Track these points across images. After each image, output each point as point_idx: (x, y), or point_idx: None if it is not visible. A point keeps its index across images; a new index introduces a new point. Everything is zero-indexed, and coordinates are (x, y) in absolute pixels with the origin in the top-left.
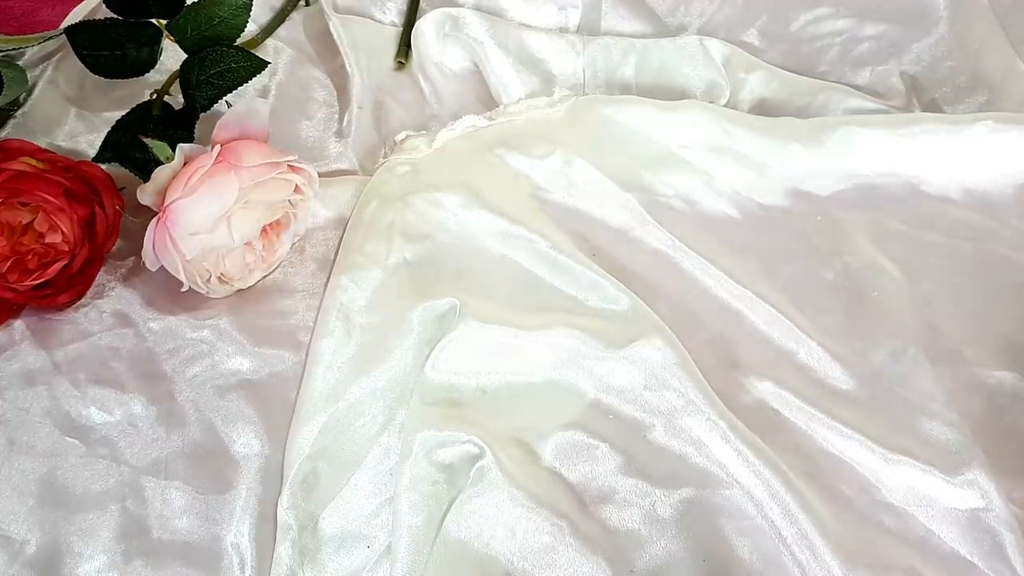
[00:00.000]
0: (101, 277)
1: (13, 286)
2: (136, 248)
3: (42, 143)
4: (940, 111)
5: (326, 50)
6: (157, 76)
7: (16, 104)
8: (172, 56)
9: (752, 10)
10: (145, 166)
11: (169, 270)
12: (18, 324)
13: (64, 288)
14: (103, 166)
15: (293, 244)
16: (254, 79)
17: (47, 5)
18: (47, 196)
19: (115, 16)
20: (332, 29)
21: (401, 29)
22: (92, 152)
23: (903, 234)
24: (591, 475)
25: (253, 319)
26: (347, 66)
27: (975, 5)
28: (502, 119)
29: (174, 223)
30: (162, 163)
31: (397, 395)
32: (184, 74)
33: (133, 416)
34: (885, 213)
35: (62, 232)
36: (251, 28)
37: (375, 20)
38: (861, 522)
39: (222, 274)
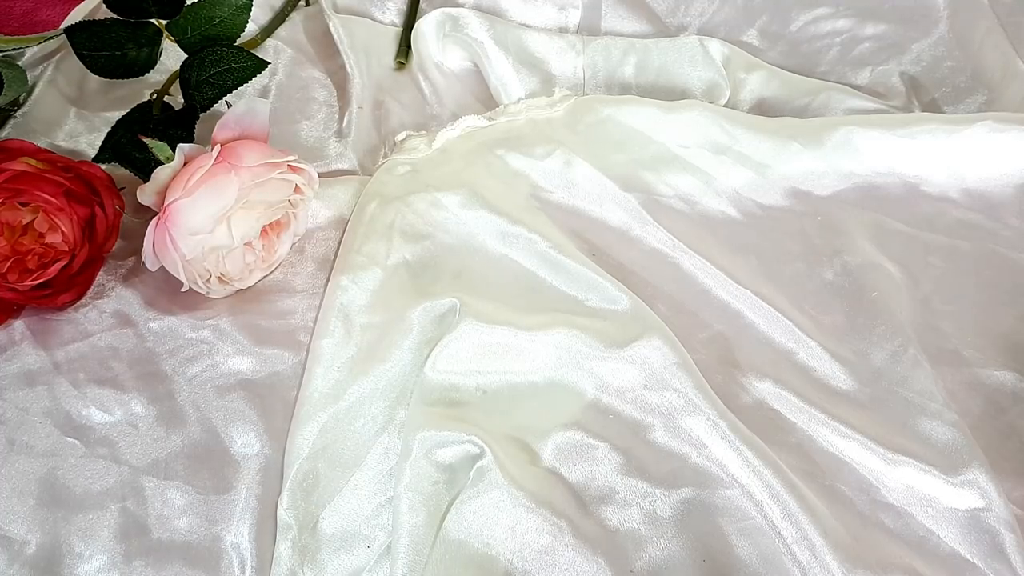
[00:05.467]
0: (101, 277)
1: (13, 286)
2: (136, 248)
3: (42, 143)
4: (940, 111)
5: (326, 50)
6: (157, 76)
7: (16, 104)
8: (172, 56)
9: (752, 10)
10: (145, 166)
11: (169, 270)
12: (18, 324)
13: (64, 288)
14: (103, 166)
15: (293, 244)
16: (254, 79)
17: (47, 5)
18: (47, 196)
19: (115, 16)
20: (332, 29)
21: (401, 29)
22: (92, 152)
23: (903, 234)
24: (591, 475)
25: (253, 319)
26: (347, 66)
27: (975, 5)
28: (502, 119)
29: (174, 223)
30: (162, 163)
31: (397, 395)
32: (184, 74)
33: (133, 416)
34: (885, 213)
35: (62, 232)
36: (251, 28)
37: (375, 20)
38: (861, 522)
39: (222, 274)
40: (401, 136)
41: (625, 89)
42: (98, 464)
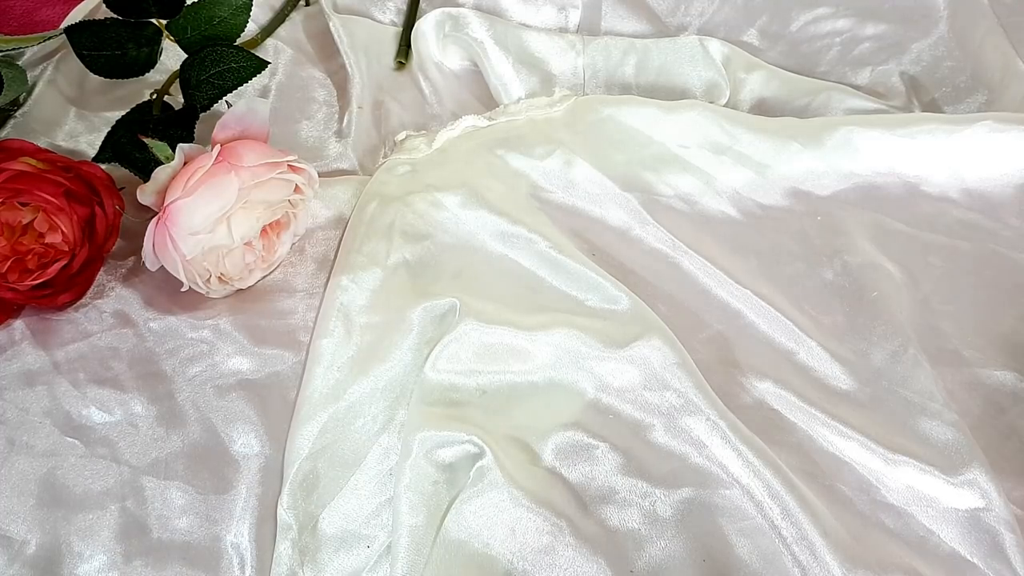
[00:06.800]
0: (101, 277)
1: (13, 286)
2: (136, 248)
3: (42, 143)
4: (940, 111)
5: (326, 50)
6: (157, 76)
7: (16, 104)
8: (172, 56)
9: (752, 10)
10: (145, 166)
11: (169, 270)
12: (18, 324)
13: (64, 288)
14: (103, 166)
15: (293, 244)
16: (254, 79)
17: (47, 5)
18: (47, 196)
19: (115, 16)
20: (332, 29)
21: (401, 29)
22: (92, 152)
23: (903, 234)
24: (591, 475)
25: (253, 319)
26: (347, 66)
27: (975, 5)
28: (502, 119)
29: (174, 223)
30: (162, 163)
31: (397, 395)
32: (184, 74)
33: (133, 416)
34: (885, 213)
35: (62, 232)
36: (251, 28)
37: (375, 20)
38: (861, 522)
39: (222, 274)
40: (401, 136)
41: (625, 89)
42: (98, 464)
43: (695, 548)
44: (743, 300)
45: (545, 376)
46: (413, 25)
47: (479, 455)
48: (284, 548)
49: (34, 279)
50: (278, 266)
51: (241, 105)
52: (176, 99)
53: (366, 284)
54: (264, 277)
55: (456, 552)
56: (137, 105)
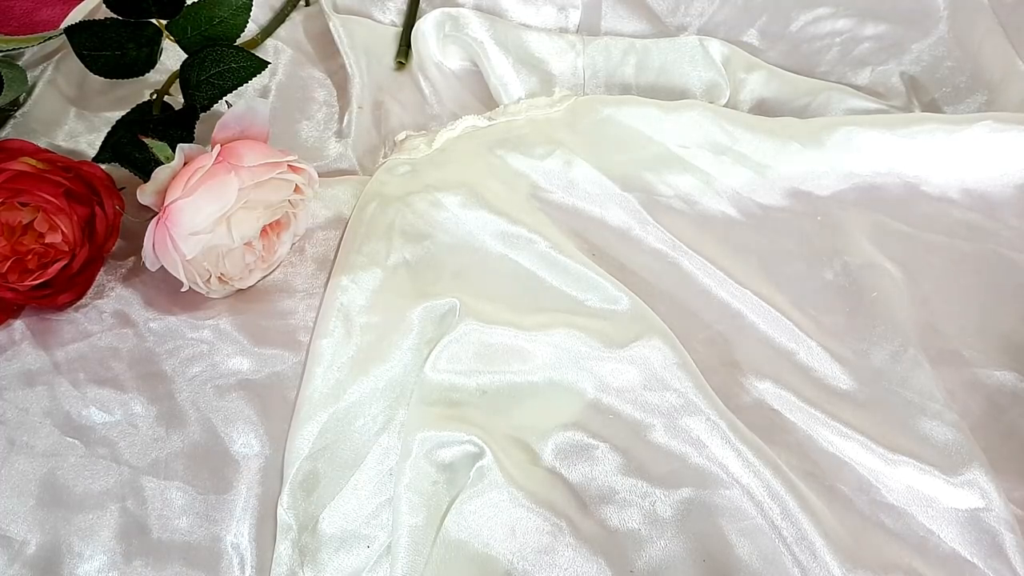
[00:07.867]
0: (101, 277)
1: (13, 286)
2: (136, 248)
3: (42, 143)
4: (940, 111)
5: (326, 50)
6: (157, 76)
7: (16, 104)
8: (172, 56)
9: (752, 10)
10: (145, 166)
11: (169, 270)
12: (18, 324)
13: (64, 288)
14: (103, 166)
15: (293, 244)
16: (254, 79)
17: (47, 5)
18: (47, 196)
19: (115, 16)
20: (332, 29)
21: (401, 29)
22: (92, 152)
23: (903, 234)
24: (591, 475)
25: (253, 319)
26: (347, 66)
27: (975, 5)
28: (502, 119)
29: (174, 223)
30: (162, 163)
31: (397, 395)
32: (184, 74)
33: (133, 416)
34: (885, 213)
35: (62, 232)
36: (251, 28)
37: (375, 20)
38: (861, 522)
39: (222, 274)
40: (401, 136)
41: (625, 89)
42: (98, 464)
43: (695, 548)
44: (743, 300)
45: (545, 376)
46: (413, 25)
47: (479, 455)
48: (284, 548)
49: (34, 279)
50: (278, 266)
51: (241, 105)
52: (176, 99)
53: (366, 284)
54: (264, 277)
55: (456, 552)
56: (137, 105)
